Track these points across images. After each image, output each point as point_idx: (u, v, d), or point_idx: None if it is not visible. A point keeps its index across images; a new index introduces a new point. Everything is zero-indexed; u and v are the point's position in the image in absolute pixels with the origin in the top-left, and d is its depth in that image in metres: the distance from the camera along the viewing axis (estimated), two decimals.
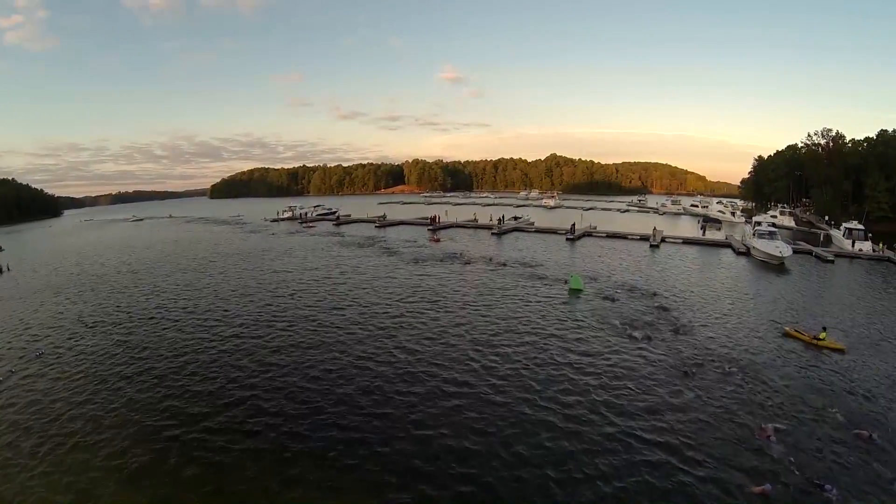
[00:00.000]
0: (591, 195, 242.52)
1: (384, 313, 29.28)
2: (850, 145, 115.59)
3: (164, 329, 27.80)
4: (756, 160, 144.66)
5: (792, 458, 14.29)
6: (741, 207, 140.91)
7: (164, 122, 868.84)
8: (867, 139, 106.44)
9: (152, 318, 30.14)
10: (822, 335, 23.95)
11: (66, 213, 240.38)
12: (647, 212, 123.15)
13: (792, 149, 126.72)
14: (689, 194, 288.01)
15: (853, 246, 56.07)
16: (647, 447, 15.05)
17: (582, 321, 27.28)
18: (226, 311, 30.84)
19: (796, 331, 25.18)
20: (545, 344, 23.83)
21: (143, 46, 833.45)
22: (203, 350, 24.11)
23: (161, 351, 24.24)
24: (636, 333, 24.80)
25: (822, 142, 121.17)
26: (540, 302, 31.33)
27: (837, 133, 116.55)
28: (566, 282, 35.83)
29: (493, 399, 18.27)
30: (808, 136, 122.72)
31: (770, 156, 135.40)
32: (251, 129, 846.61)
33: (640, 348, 23.02)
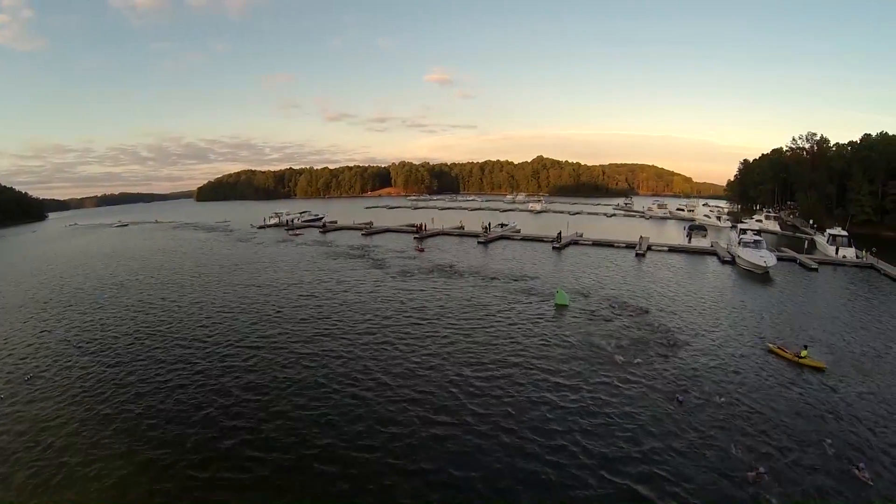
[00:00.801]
0: (578, 197, 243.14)
1: (367, 335, 28.64)
2: (834, 149, 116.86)
3: (150, 350, 27.32)
4: (742, 163, 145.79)
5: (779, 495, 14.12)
6: (727, 210, 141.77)
7: (150, 124, 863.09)
8: (851, 143, 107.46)
9: (137, 338, 29.56)
10: (804, 353, 24.13)
11: (52, 216, 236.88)
12: (634, 216, 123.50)
13: (777, 152, 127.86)
14: (675, 195, 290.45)
15: (837, 253, 56.32)
16: (631, 480, 14.79)
17: (567, 342, 26.87)
18: (210, 333, 30.05)
19: (779, 348, 25.30)
20: (529, 368, 23.37)
21: (130, 47, 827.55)
22: (188, 374, 23.71)
23: (148, 375, 23.89)
24: (620, 357, 24.36)
25: (807, 146, 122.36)
26: (525, 321, 30.80)
27: (822, 137, 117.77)
28: (553, 296, 35.42)
29: (474, 428, 17.95)
30: (793, 139, 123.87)
31: (755, 159, 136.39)
32: (238, 130, 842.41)
33: (626, 372, 22.63)
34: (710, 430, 17.65)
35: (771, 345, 25.93)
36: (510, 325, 30.09)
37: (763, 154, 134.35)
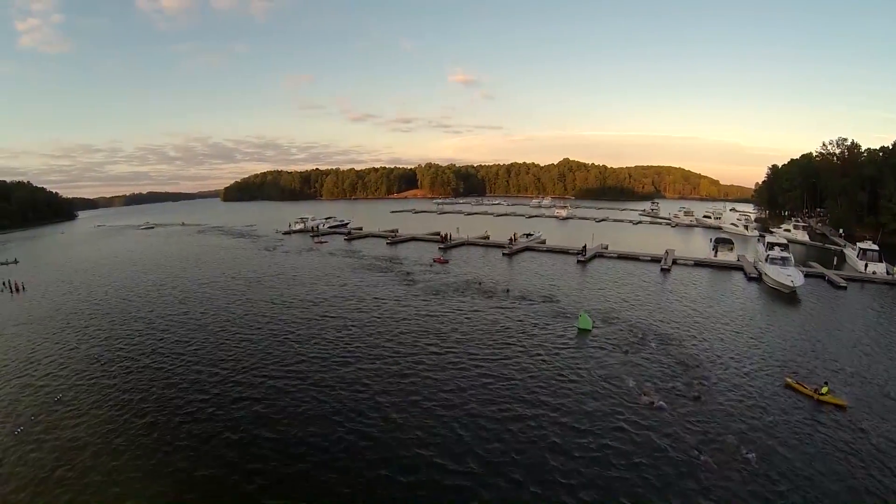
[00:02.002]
0: (604, 200, 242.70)
1: (381, 363, 28.57)
2: (865, 155, 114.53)
3: (169, 372, 28.26)
4: (770, 169, 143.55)
5: None
6: (755, 217, 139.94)
7: (177, 124, 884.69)
8: (883, 149, 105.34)
9: (157, 358, 30.60)
10: (824, 390, 23.72)
11: (81, 214, 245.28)
12: (660, 223, 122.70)
13: (806, 157, 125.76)
14: (702, 199, 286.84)
15: (866, 269, 55.74)
16: None
17: (588, 376, 26.31)
18: (227, 356, 30.47)
19: (798, 383, 24.91)
20: (545, 408, 22.59)
21: (157, 49, 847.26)
22: (199, 401, 24.43)
23: (164, 398, 24.79)
24: (646, 397, 23.49)
25: (837, 151, 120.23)
26: (545, 350, 30.50)
27: (853, 143, 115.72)
28: (576, 318, 35.77)
29: (481, 478, 17.78)
30: (823, 144, 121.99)
31: (784, 165, 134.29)
32: (264, 131, 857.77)
33: (648, 418, 21.81)
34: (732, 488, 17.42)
35: (788, 379, 25.52)
36: (530, 354, 29.57)
37: (792, 159, 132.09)
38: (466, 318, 37.41)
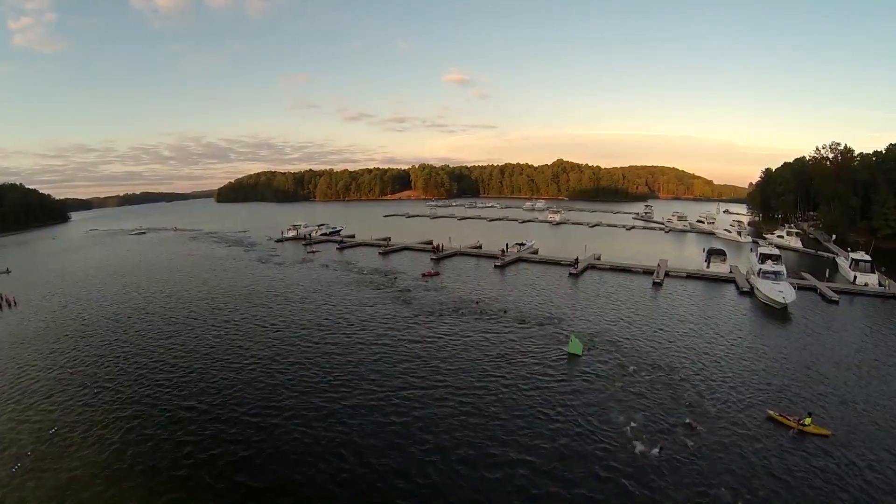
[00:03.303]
0: (598, 201, 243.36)
1: (360, 393, 28.42)
2: (858, 159, 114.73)
3: (157, 401, 28.34)
4: (763, 172, 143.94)
5: None
6: (749, 220, 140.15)
7: (171, 124, 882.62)
8: (876, 153, 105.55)
9: (148, 385, 30.67)
10: (808, 420, 23.79)
11: (74, 216, 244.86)
12: (654, 228, 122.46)
13: (800, 161, 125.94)
14: (696, 199, 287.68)
15: (855, 280, 55.82)
16: None
17: (577, 415, 25.52)
18: (211, 385, 30.38)
19: (781, 415, 24.68)
20: (527, 456, 21.79)
21: (151, 48, 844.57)
22: (189, 433, 24.49)
23: (154, 432, 24.82)
24: (635, 442, 22.66)
25: (831, 155, 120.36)
26: (534, 374, 30.31)
27: (846, 147, 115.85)
28: (567, 340, 35.25)
29: None
30: (816, 149, 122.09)
31: (777, 168, 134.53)
32: (258, 130, 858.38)
33: (632, 463, 21.15)
34: None
35: (771, 412, 25.21)
36: (515, 387, 28.79)
37: (786, 162, 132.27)
38: (454, 342, 36.81)
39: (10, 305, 52.79)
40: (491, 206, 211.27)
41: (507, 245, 75.38)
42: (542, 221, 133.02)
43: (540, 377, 30.32)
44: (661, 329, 39.46)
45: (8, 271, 76.33)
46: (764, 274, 50.48)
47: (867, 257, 60.45)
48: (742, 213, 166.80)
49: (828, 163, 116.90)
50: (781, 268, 52.32)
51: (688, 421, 24.56)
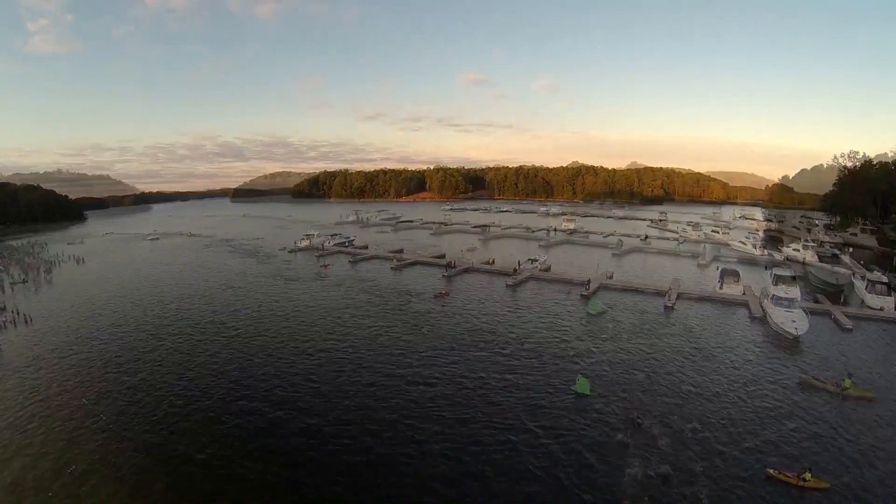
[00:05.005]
0: (612, 204, 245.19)
1: (358, 432, 29.21)
2: (877, 167, 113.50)
3: (165, 436, 29.55)
4: (780, 180, 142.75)
5: None
6: (765, 228, 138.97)
7: (187, 123, 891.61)
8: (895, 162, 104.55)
9: (154, 419, 31.79)
10: (807, 475, 23.78)
11: (90, 214, 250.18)
12: (668, 238, 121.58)
13: (817, 171, 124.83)
14: (711, 202, 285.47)
15: (864, 303, 55.74)
16: None
17: (583, 464, 25.83)
18: (224, 412, 32.09)
19: (780, 473, 24.48)
20: None
21: (168, 48, 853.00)
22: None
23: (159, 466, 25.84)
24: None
25: (849, 164, 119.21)
26: (539, 420, 30.27)
27: (863, 155, 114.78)
28: (575, 379, 35.33)
29: None
30: (835, 158, 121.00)
31: (794, 176, 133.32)
32: (274, 129, 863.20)
33: None
34: None
35: (771, 470, 24.90)
36: (519, 432, 28.93)
37: (803, 169, 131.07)
38: (460, 379, 36.86)
39: (25, 322, 54.06)
40: (506, 211, 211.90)
41: (518, 263, 75.55)
42: (555, 230, 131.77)
43: (546, 420, 30.52)
44: (670, 363, 39.66)
45: (24, 280, 78.27)
46: (777, 301, 50.07)
47: (884, 278, 59.88)
48: (758, 218, 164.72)
49: (846, 171, 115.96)
50: (796, 293, 51.73)
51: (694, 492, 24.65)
